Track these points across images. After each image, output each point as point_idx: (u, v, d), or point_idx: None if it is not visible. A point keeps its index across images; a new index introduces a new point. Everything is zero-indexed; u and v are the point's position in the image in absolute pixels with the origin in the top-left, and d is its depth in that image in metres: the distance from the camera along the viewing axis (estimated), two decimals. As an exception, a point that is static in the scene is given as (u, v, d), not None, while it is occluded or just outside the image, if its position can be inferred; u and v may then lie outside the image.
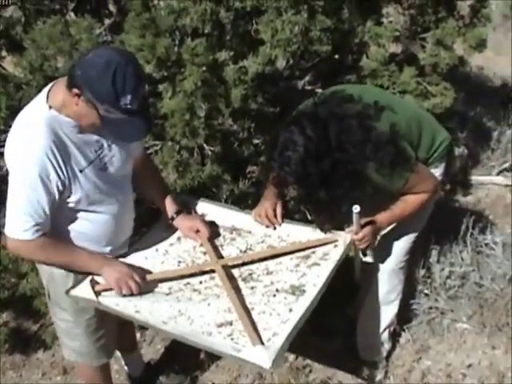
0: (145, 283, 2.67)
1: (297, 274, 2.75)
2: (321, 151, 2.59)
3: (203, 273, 2.80)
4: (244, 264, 2.84)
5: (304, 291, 2.63)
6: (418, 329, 3.86)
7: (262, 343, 2.37)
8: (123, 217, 2.79)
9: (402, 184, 2.83)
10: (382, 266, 3.35)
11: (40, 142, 2.38)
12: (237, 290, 2.67)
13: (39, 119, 2.39)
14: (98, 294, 2.65)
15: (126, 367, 3.61)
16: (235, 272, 2.80)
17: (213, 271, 2.79)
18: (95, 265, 2.65)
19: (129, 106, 2.30)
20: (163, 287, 2.73)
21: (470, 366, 3.65)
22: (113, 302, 2.64)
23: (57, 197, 2.46)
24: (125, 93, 2.27)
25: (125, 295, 2.63)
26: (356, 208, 2.74)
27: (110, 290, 2.67)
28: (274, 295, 2.65)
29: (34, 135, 2.39)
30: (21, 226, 2.46)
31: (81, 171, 2.50)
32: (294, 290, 2.65)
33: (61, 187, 2.45)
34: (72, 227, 2.63)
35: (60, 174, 2.42)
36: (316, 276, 2.70)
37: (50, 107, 2.40)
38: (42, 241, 2.50)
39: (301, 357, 3.70)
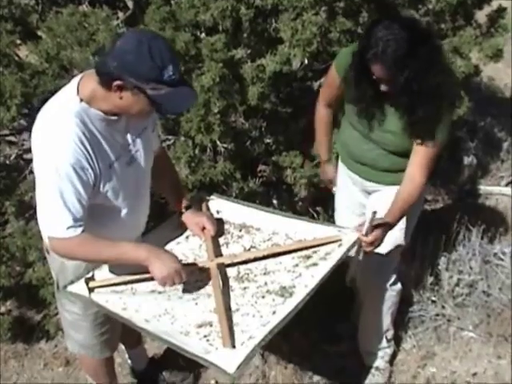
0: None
1: (293, 274, 2.64)
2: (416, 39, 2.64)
3: (201, 271, 2.70)
4: (244, 262, 2.74)
5: (292, 293, 2.52)
6: (424, 335, 3.85)
7: (234, 346, 2.28)
8: (141, 212, 2.76)
9: (441, 134, 2.83)
10: (373, 281, 3.34)
11: (71, 133, 2.31)
12: (228, 290, 2.59)
13: (69, 111, 2.33)
14: (91, 290, 2.59)
15: (129, 361, 3.61)
16: (233, 271, 2.70)
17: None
18: (142, 254, 2.50)
19: (173, 77, 2.25)
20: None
21: (474, 374, 3.64)
22: (103, 298, 2.58)
23: (91, 188, 2.40)
24: (165, 65, 2.23)
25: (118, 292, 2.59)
26: (375, 212, 2.68)
27: (105, 286, 2.62)
28: (263, 296, 2.54)
29: (64, 127, 2.32)
30: (62, 224, 2.37)
31: (110, 166, 2.46)
32: (283, 291, 2.54)
33: (94, 179, 2.39)
34: (91, 222, 2.49)
35: (92, 165, 2.36)
36: (310, 277, 2.58)
37: (81, 100, 2.35)
38: (84, 237, 2.41)
39: (306, 359, 3.68)
